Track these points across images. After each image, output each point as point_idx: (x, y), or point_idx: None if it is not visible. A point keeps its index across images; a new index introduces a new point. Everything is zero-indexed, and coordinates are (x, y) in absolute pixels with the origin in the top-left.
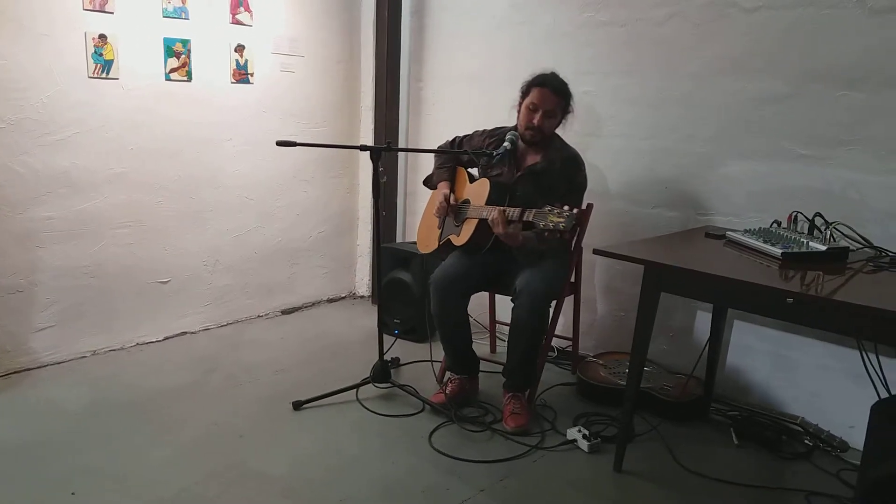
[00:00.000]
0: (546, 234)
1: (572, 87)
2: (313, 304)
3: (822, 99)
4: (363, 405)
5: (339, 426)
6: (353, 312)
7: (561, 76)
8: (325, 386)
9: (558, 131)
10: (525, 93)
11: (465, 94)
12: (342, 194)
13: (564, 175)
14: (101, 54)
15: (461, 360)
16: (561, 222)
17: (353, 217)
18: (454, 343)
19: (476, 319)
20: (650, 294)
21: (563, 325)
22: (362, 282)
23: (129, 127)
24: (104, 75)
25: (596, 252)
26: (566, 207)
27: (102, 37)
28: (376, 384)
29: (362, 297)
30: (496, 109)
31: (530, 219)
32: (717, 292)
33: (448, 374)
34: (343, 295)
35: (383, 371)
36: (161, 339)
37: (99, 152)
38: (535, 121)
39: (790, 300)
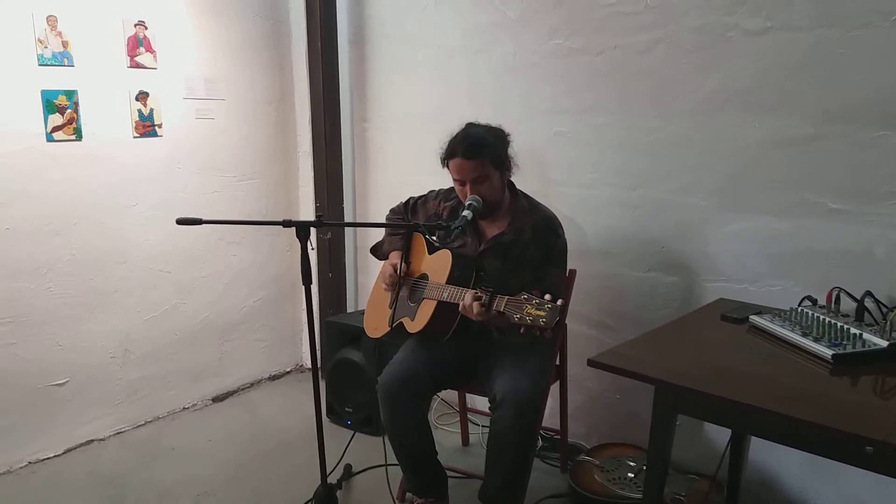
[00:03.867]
0: (521, 329)
1: (544, 128)
2: (251, 384)
3: (855, 141)
4: None
5: None
6: (298, 392)
7: (479, 123)
8: None
9: (523, 188)
10: (445, 166)
11: (418, 135)
12: (280, 254)
13: (538, 244)
14: None
15: (424, 479)
16: (541, 317)
17: (296, 278)
18: (413, 458)
19: (443, 399)
20: (665, 419)
21: (549, 409)
22: (309, 355)
23: (2, 201)
24: None
25: (591, 364)
26: (547, 297)
27: None
28: None
29: (309, 370)
30: None
31: (501, 309)
32: (756, 426)
33: (408, 494)
34: (288, 369)
35: (328, 500)
36: (61, 452)
37: None
38: (468, 193)
39: (870, 449)
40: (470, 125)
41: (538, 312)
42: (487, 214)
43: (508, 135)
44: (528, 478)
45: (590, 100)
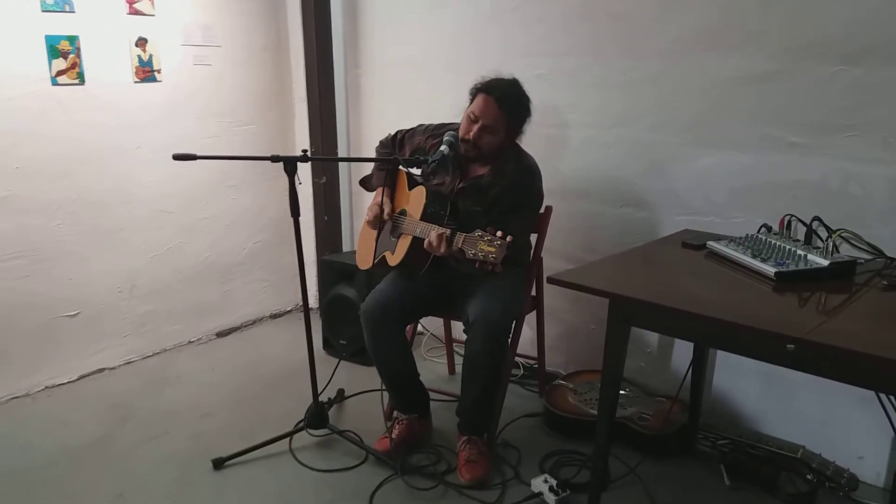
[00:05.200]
0: (476, 264)
1: (524, 70)
2: (253, 322)
3: (815, 77)
4: (296, 458)
5: (265, 488)
6: (298, 329)
7: (522, 86)
8: (255, 432)
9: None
10: (471, 97)
11: (408, 81)
12: (279, 199)
13: (513, 190)
14: None
15: (406, 398)
16: (491, 253)
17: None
18: (395, 380)
19: (433, 333)
20: (618, 331)
21: (528, 339)
22: (310, 292)
23: (11, 142)
24: None
25: (551, 281)
26: (499, 234)
27: None
28: (311, 431)
29: (311, 308)
30: (440, 98)
31: (459, 245)
32: (697, 332)
33: (395, 413)
34: (289, 308)
35: (318, 415)
36: (75, 378)
37: None
38: (471, 133)
39: (791, 347)
40: (516, 83)
41: (489, 248)
42: (475, 160)
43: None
44: (501, 396)
45: (566, 43)
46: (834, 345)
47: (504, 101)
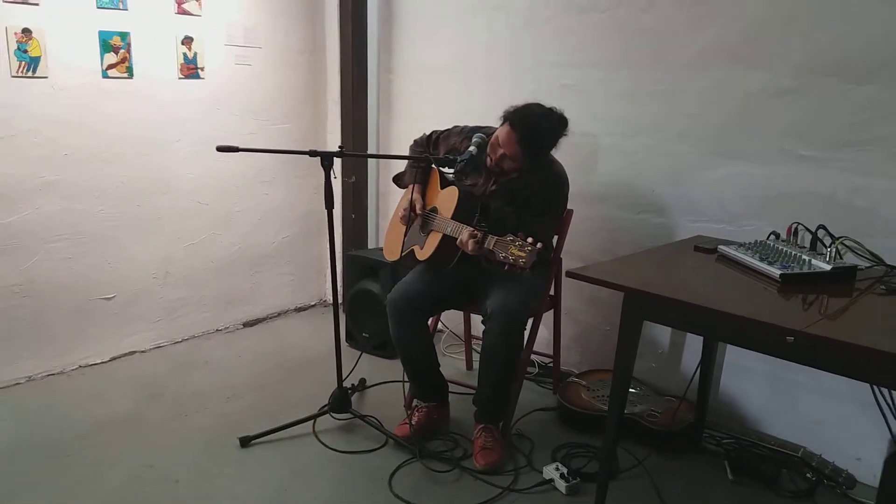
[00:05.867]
0: (505, 267)
1: (554, 80)
2: (279, 314)
3: (828, 94)
4: (319, 439)
5: (289, 467)
6: (321, 322)
7: (554, 114)
8: (280, 414)
9: None
10: (500, 121)
11: (440, 86)
12: (308, 195)
13: (542, 195)
14: (25, 51)
15: (426, 386)
16: (521, 257)
17: (321, 219)
18: (417, 368)
19: (452, 331)
20: (631, 323)
21: (544, 339)
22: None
23: (62, 130)
24: (30, 74)
25: (569, 275)
26: (530, 240)
27: (27, 31)
28: (334, 415)
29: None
30: (473, 104)
31: (490, 247)
32: (705, 325)
33: (415, 401)
34: (312, 303)
35: (342, 400)
36: (107, 359)
37: (27, 159)
38: (494, 158)
39: (790, 339)
40: (548, 115)
41: (520, 253)
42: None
43: (566, 133)
44: (517, 386)
45: (596, 55)
46: (830, 337)
47: (524, 140)
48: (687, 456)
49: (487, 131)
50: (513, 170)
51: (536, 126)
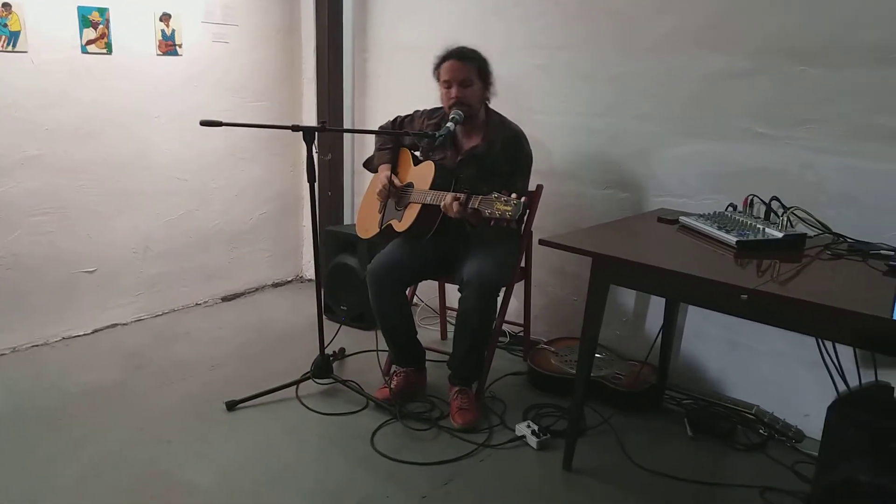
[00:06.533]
0: (492, 222)
1: (524, 61)
2: (256, 289)
3: (782, 76)
4: (303, 403)
5: (275, 428)
6: (298, 297)
7: (469, 46)
8: (263, 382)
9: (496, 108)
10: (437, 75)
11: (413, 66)
12: (285, 172)
13: (507, 155)
14: (5, 25)
15: (405, 352)
16: (507, 211)
17: (297, 196)
18: (396, 335)
19: (427, 304)
20: (598, 287)
21: (515, 309)
22: (310, 264)
23: (43, 105)
24: (10, 48)
25: (542, 243)
26: (513, 195)
27: (6, 6)
28: (317, 380)
29: (310, 280)
30: None
31: (476, 206)
32: (668, 287)
33: (393, 367)
34: (289, 279)
35: (324, 366)
36: (89, 331)
37: (8, 132)
38: (453, 94)
39: (744, 297)
40: (462, 45)
41: (505, 208)
42: (466, 123)
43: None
44: (490, 351)
45: (564, 37)
46: (780, 294)
47: (462, 56)
48: (649, 415)
49: (442, 111)
50: (475, 100)
51: (462, 48)
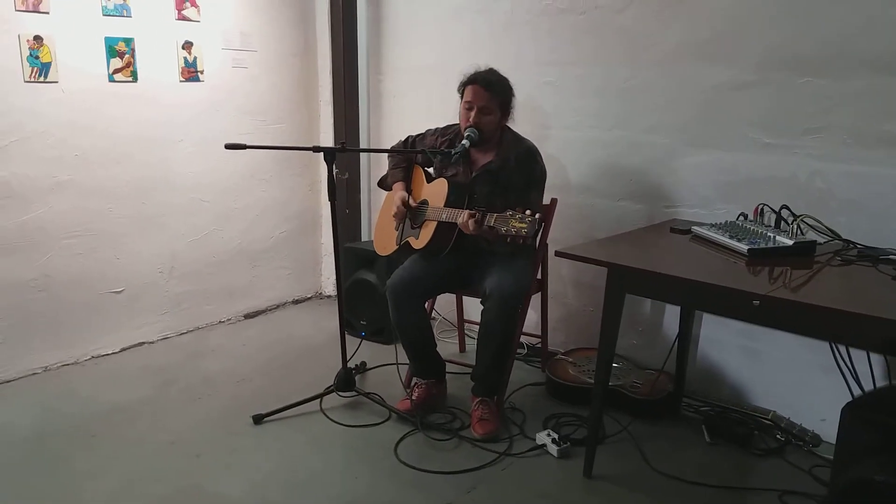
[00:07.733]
0: (508, 240)
1: (534, 78)
2: (277, 306)
3: (787, 86)
4: (327, 416)
5: (301, 440)
6: (319, 313)
7: (500, 72)
8: (288, 396)
9: (511, 125)
10: (461, 93)
11: (427, 86)
12: (303, 192)
13: (521, 170)
14: (37, 57)
15: (425, 365)
16: (523, 228)
17: (316, 215)
18: (416, 348)
19: (445, 317)
20: (614, 296)
21: (533, 321)
22: (328, 281)
23: (72, 132)
24: (42, 79)
25: (558, 254)
26: (528, 212)
27: (38, 38)
28: (340, 393)
29: (329, 296)
30: (455, 103)
31: (492, 224)
32: (682, 294)
33: (414, 379)
34: (309, 295)
35: (347, 379)
36: (118, 350)
37: (40, 159)
38: (471, 119)
39: (756, 303)
40: (493, 69)
41: (521, 225)
42: (480, 144)
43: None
44: (511, 361)
45: (573, 54)
46: (792, 299)
47: (488, 84)
48: (667, 422)
49: (454, 128)
50: (491, 127)
51: (490, 74)
